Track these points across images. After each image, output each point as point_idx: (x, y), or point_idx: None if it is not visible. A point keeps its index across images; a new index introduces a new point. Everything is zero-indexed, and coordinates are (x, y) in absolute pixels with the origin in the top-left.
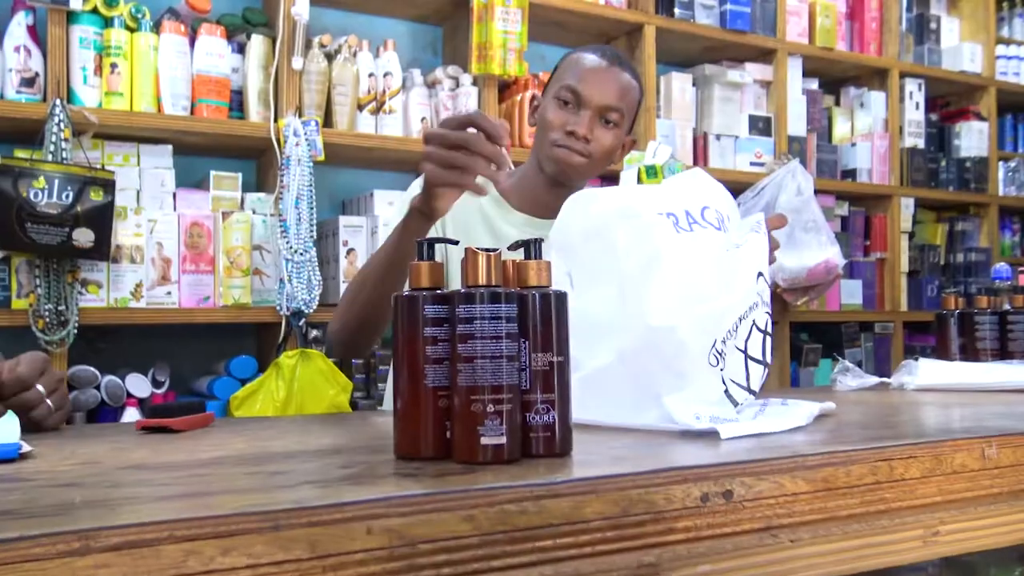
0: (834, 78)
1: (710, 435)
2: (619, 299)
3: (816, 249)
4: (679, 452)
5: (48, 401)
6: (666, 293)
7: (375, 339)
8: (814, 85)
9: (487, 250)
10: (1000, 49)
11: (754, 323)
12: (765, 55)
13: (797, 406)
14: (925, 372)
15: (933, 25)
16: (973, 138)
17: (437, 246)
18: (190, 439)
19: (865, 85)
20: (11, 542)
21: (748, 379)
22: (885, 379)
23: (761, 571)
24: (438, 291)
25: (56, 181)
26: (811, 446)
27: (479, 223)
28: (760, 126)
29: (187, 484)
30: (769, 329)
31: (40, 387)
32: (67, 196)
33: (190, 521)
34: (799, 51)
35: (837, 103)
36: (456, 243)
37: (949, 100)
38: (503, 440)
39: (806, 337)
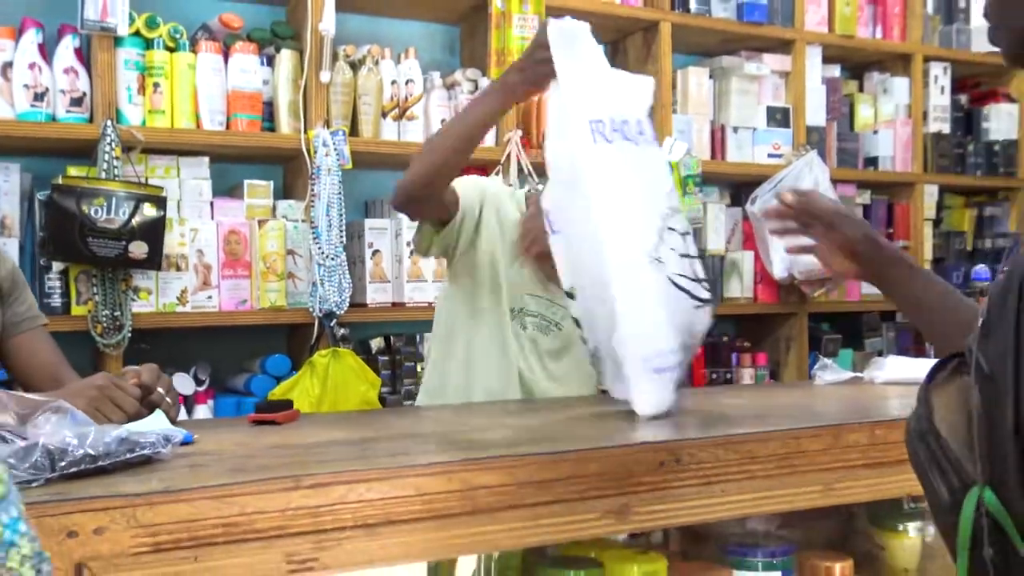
0: (857, 63)
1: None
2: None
3: None
4: (647, 431)
5: (167, 399)
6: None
7: (439, 193)
8: (836, 72)
9: None
10: None
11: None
12: (784, 45)
13: None
14: (892, 367)
15: (962, 3)
16: (1003, 120)
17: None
18: (291, 429)
19: (888, 70)
20: (262, 482)
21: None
22: (859, 374)
23: (700, 511)
24: None
25: (114, 199)
26: (739, 426)
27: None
28: (778, 117)
29: (338, 453)
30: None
31: (160, 389)
32: (124, 212)
33: (353, 471)
34: (818, 40)
35: (861, 89)
36: None
37: (980, 81)
38: None
39: (826, 327)
